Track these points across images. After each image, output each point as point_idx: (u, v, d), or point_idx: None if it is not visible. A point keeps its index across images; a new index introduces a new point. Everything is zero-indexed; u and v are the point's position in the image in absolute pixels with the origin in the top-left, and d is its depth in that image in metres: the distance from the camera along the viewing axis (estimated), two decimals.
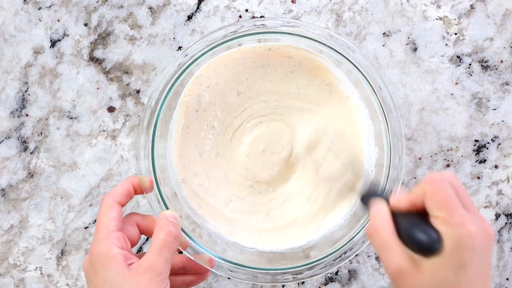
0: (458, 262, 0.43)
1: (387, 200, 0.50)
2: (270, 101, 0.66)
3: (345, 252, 0.63)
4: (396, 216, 0.48)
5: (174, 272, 0.61)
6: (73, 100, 0.69)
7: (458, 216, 0.44)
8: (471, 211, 0.45)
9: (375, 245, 0.48)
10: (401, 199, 0.48)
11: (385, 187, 0.59)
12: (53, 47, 0.69)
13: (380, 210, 0.49)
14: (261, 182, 0.67)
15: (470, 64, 0.70)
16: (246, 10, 0.69)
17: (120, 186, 0.56)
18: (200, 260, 0.61)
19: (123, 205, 0.56)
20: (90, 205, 0.69)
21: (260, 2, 0.69)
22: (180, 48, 0.69)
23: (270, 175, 0.66)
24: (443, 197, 0.45)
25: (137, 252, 0.69)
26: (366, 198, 0.52)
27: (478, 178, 0.70)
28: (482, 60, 0.70)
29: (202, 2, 0.69)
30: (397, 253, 0.46)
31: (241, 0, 0.69)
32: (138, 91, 0.69)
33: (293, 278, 0.63)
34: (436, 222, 0.45)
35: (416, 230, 0.46)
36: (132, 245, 0.55)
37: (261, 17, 0.69)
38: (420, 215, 0.47)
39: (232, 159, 0.66)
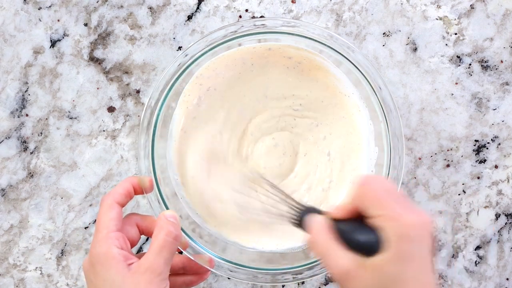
0: (401, 255, 0.44)
1: (321, 213, 0.51)
2: (270, 100, 0.66)
3: None
4: (336, 224, 0.48)
5: (174, 272, 0.61)
6: (73, 100, 0.69)
7: (394, 210, 0.44)
8: (405, 206, 0.46)
9: (317, 253, 0.48)
10: (339, 208, 0.49)
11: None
12: (53, 47, 0.69)
13: (315, 221, 0.49)
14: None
15: (470, 64, 0.70)
16: (246, 10, 0.69)
17: (120, 187, 0.56)
18: (200, 260, 0.61)
19: (123, 206, 0.56)
20: (90, 205, 0.69)
21: (260, 2, 0.69)
22: (180, 48, 0.69)
23: (272, 175, 0.66)
24: (377, 195, 0.45)
25: (137, 252, 0.69)
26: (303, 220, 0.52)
27: (478, 178, 0.70)
28: (482, 60, 0.70)
29: (202, 2, 0.69)
30: (340, 256, 0.46)
31: (241, 0, 0.69)
32: (138, 91, 0.69)
33: (293, 278, 0.63)
34: (373, 221, 0.45)
35: (355, 233, 0.46)
36: (132, 246, 0.55)
37: (261, 17, 0.69)
38: (359, 220, 0.47)
39: (232, 159, 0.66)
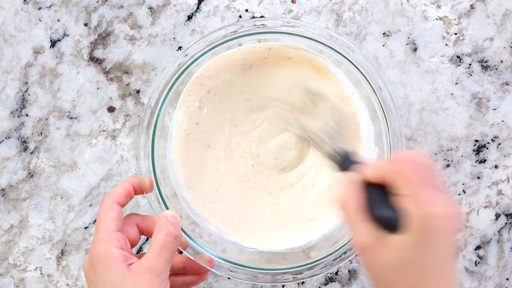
0: (424, 242, 0.43)
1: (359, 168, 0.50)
2: (271, 100, 0.66)
3: (345, 252, 0.63)
4: (367, 187, 0.48)
5: (174, 272, 0.61)
6: (73, 100, 0.69)
7: (426, 196, 0.44)
8: (439, 191, 0.45)
9: (344, 216, 0.48)
10: (375, 172, 0.48)
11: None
12: (53, 47, 0.69)
13: (351, 182, 0.49)
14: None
15: (470, 64, 0.70)
16: (246, 10, 0.69)
17: (120, 187, 0.56)
18: (200, 260, 0.61)
19: (123, 206, 0.56)
20: (90, 205, 0.69)
21: (260, 2, 0.69)
22: (180, 48, 0.69)
23: (273, 175, 0.66)
24: (412, 177, 0.45)
25: (137, 252, 0.69)
26: (343, 165, 0.53)
27: (478, 178, 0.70)
28: (482, 60, 0.70)
29: (202, 2, 0.69)
30: (363, 229, 0.46)
31: (241, 0, 0.69)
32: (138, 91, 0.69)
33: (293, 278, 0.63)
34: (403, 200, 0.45)
35: (381, 205, 0.46)
36: (132, 246, 0.55)
37: (261, 17, 0.69)
38: (387, 191, 0.47)
39: (233, 158, 0.66)
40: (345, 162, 0.53)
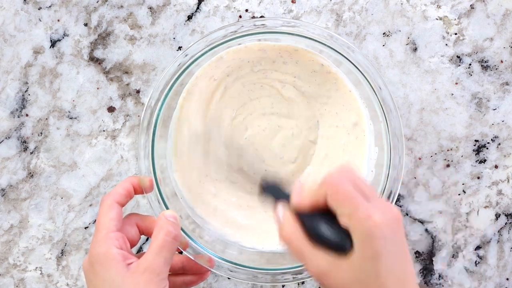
0: (372, 252, 0.44)
1: (288, 199, 0.50)
2: (273, 99, 0.66)
3: None
4: (302, 217, 0.48)
5: (174, 272, 0.61)
6: (73, 100, 0.69)
7: (362, 210, 0.44)
8: (373, 200, 0.46)
9: (291, 252, 0.48)
10: (305, 200, 0.48)
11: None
12: (53, 47, 0.69)
13: (287, 217, 0.49)
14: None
15: (470, 64, 0.70)
16: (246, 10, 0.69)
17: (119, 186, 0.56)
18: (200, 260, 0.61)
19: (123, 205, 0.56)
20: (90, 205, 0.69)
21: (260, 2, 0.69)
22: (180, 48, 0.69)
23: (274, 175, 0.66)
24: (344, 196, 0.45)
25: (137, 252, 0.69)
26: (267, 191, 0.52)
27: (478, 178, 0.70)
28: (482, 60, 0.70)
29: (202, 2, 0.69)
30: (313, 257, 0.46)
31: (241, 0, 0.69)
32: (138, 91, 0.69)
33: (293, 278, 0.63)
34: (342, 219, 0.45)
35: (324, 232, 0.46)
36: (132, 246, 0.55)
37: (261, 17, 0.69)
38: (324, 214, 0.47)
39: (234, 158, 0.66)
40: (272, 193, 0.52)
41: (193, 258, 0.61)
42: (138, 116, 0.69)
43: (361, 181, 0.47)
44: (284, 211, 0.49)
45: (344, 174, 0.47)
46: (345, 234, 0.45)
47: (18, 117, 0.69)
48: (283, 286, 0.70)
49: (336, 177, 0.46)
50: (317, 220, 0.47)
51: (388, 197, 0.62)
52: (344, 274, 0.45)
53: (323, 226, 0.46)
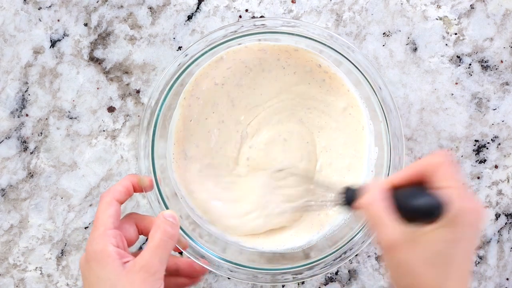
0: (453, 235, 0.44)
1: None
2: (273, 99, 0.66)
3: (345, 252, 0.63)
4: (395, 191, 0.48)
5: (168, 273, 0.61)
6: (73, 100, 0.69)
7: (463, 190, 0.45)
8: (466, 188, 0.46)
9: (368, 219, 0.48)
10: (398, 175, 0.49)
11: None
12: (53, 47, 0.69)
13: (372, 187, 0.49)
14: None
15: (470, 64, 0.70)
16: (246, 10, 0.69)
17: (119, 184, 0.56)
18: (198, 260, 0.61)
19: (121, 203, 0.56)
20: (90, 205, 0.69)
21: (260, 2, 0.69)
22: (180, 48, 0.69)
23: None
24: (448, 169, 0.46)
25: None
26: (349, 198, 0.52)
27: (478, 178, 0.70)
28: (482, 60, 0.70)
29: (202, 2, 0.69)
30: (391, 228, 0.46)
31: (241, 0, 0.69)
32: (138, 91, 0.69)
33: (293, 278, 0.63)
34: (444, 191, 0.45)
35: (418, 196, 0.46)
36: (129, 245, 0.55)
37: (261, 17, 0.69)
38: (420, 187, 0.47)
39: (233, 159, 0.66)
40: (350, 196, 0.52)
41: (193, 259, 0.61)
42: (138, 116, 0.69)
43: (459, 170, 0.48)
44: (371, 184, 0.49)
45: (449, 155, 0.48)
46: (439, 201, 0.45)
47: (18, 117, 0.69)
48: (283, 286, 0.70)
49: (444, 153, 0.47)
50: (410, 190, 0.47)
51: None
52: (421, 249, 0.45)
53: (417, 192, 0.46)
